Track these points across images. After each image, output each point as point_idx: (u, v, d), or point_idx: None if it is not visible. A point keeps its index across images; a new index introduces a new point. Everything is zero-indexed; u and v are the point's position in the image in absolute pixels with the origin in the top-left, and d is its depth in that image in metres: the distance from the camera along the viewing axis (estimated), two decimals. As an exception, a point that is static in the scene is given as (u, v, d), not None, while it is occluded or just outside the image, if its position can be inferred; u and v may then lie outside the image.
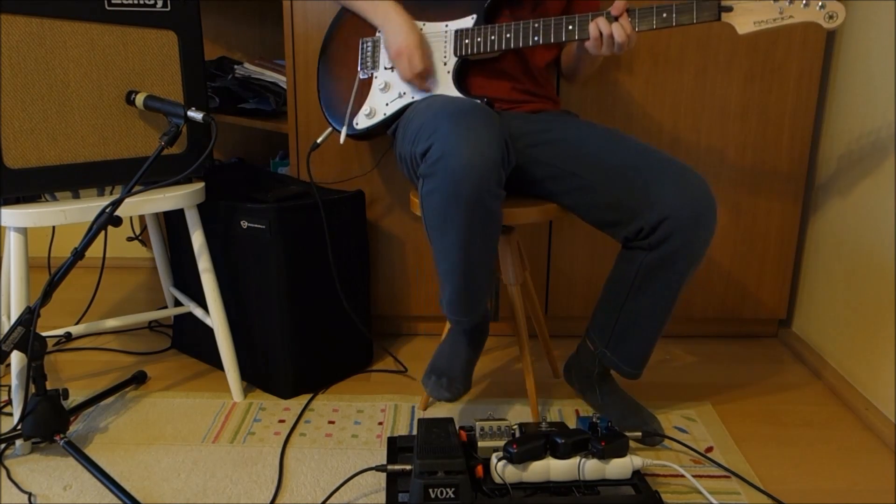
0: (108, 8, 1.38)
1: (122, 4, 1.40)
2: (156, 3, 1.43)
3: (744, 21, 1.26)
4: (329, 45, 1.59)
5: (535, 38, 1.37)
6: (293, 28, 1.76)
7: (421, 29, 1.47)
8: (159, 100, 1.41)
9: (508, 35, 1.39)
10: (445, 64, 1.45)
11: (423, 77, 1.44)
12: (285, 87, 1.88)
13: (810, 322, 1.90)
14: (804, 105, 1.80)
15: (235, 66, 2.01)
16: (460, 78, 1.46)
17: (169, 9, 1.45)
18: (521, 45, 1.38)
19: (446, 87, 1.45)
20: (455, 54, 1.44)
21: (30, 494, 1.29)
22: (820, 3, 1.23)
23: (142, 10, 1.42)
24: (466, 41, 1.43)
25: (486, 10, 1.43)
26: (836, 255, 1.78)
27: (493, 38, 1.40)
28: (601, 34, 1.31)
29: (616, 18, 1.30)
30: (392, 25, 1.43)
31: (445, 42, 1.45)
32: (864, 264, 1.65)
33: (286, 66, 1.79)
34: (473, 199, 1.18)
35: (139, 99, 1.41)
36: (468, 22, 1.43)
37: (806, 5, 1.24)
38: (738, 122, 1.81)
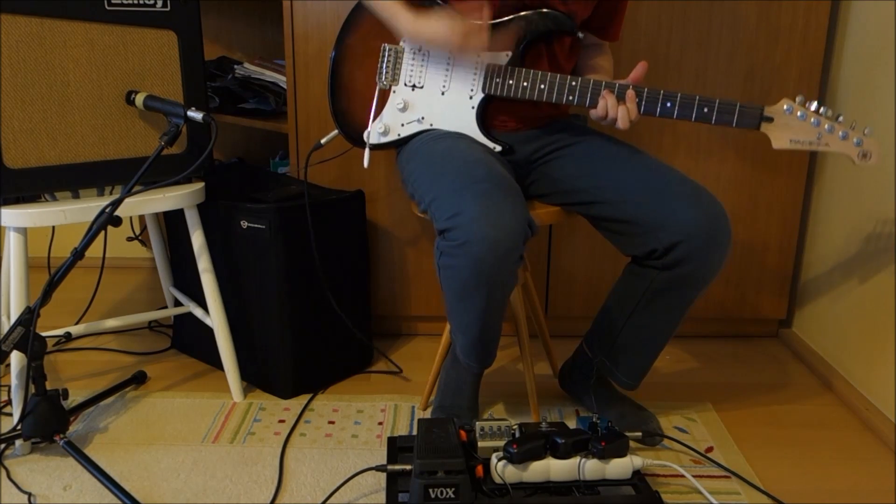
0: (108, 8, 1.38)
1: (121, 4, 1.39)
2: (156, 3, 1.43)
3: (780, 136, 1.25)
4: (346, 42, 1.46)
5: (570, 98, 1.33)
6: (293, 28, 1.75)
7: None
8: (159, 100, 1.41)
9: (543, 86, 1.33)
10: (471, 97, 1.38)
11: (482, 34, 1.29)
12: (285, 87, 1.87)
13: (810, 322, 1.90)
14: (804, 105, 1.80)
15: (235, 66, 2.01)
16: (483, 108, 1.40)
17: (169, 9, 1.45)
18: (553, 99, 1.34)
19: (468, 124, 1.40)
20: (483, 91, 1.38)
21: (30, 494, 1.29)
22: (857, 139, 1.22)
23: (142, 10, 1.42)
24: (497, 80, 1.36)
25: (522, 50, 1.35)
26: (835, 255, 1.78)
27: (525, 84, 1.34)
28: (607, 114, 1.29)
29: (627, 92, 1.28)
30: (425, 30, 1.29)
31: (475, 73, 1.38)
32: (863, 264, 1.65)
33: (286, 66, 1.79)
34: (495, 280, 1.19)
35: (139, 99, 1.41)
36: (502, 58, 1.35)
37: (844, 137, 1.23)
38: (738, 122, 1.81)
